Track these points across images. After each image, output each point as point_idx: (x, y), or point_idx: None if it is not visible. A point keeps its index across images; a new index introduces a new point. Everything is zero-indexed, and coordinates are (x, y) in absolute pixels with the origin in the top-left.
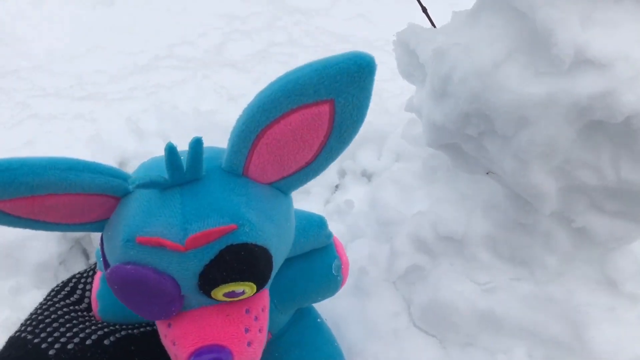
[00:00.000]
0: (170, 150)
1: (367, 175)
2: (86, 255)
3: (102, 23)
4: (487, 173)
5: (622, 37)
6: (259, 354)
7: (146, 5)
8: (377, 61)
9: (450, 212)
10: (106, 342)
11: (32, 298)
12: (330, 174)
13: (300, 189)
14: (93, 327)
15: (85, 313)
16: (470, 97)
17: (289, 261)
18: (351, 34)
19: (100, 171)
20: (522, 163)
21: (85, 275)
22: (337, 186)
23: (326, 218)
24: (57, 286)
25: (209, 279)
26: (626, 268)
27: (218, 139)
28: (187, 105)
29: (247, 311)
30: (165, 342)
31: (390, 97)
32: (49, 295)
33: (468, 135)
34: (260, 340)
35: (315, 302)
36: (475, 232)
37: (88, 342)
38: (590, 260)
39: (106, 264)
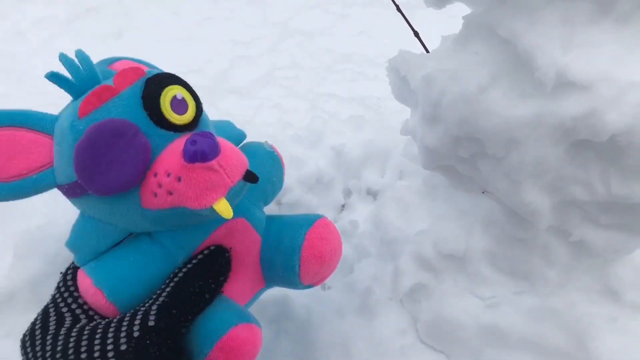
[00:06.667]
0: (63, 57)
1: (372, 194)
2: None
3: (111, 55)
4: (483, 192)
5: (601, 58)
6: (237, 154)
7: (153, 36)
8: (378, 78)
9: (451, 230)
10: (150, 323)
11: None
12: (336, 193)
13: (307, 210)
14: (124, 322)
15: (94, 322)
16: (459, 122)
17: None
18: (353, 52)
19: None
20: (514, 182)
21: (59, 299)
22: (343, 206)
23: None
24: (37, 323)
25: (149, 97)
26: (627, 278)
27: None
28: None
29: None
30: (163, 190)
31: (392, 114)
32: (36, 337)
33: (461, 157)
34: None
35: (274, 186)
36: (476, 248)
37: (136, 334)
38: (591, 271)
39: (73, 187)
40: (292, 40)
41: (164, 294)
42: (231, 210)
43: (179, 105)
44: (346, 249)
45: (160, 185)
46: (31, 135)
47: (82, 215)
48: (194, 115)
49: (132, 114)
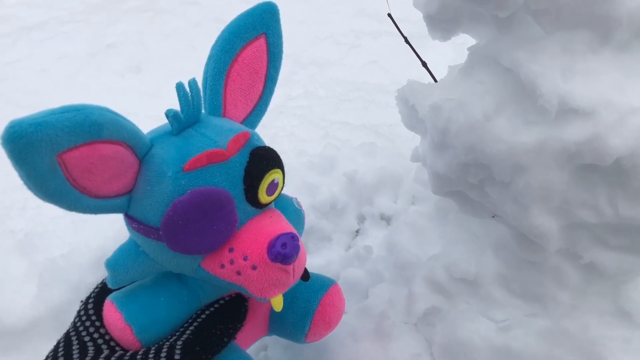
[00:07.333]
0: (181, 87)
1: (385, 219)
2: None
3: (130, 89)
4: (493, 216)
5: (602, 85)
6: (305, 257)
7: (171, 71)
8: (390, 106)
9: (463, 254)
10: (176, 357)
11: None
12: (350, 219)
13: (321, 236)
14: (150, 355)
15: (117, 353)
16: (466, 149)
17: None
18: (364, 82)
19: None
20: (522, 206)
21: (81, 327)
22: (357, 231)
23: (347, 264)
24: (59, 351)
25: (252, 176)
26: (639, 299)
27: None
28: None
29: (282, 215)
30: (233, 268)
31: (403, 140)
32: None
33: (470, 183)
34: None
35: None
36: (488, 271)
37: None
38: (603, 293)
39: (148, 229)
40: (305, 71)
41: (188, 331)
42: (282, 304)
43: (272, 188)
44: (361, 274)
45: (232, 262)
46: (131, 158)
47: (132, 241)
48: (278, 195)
49: (232, 186)
